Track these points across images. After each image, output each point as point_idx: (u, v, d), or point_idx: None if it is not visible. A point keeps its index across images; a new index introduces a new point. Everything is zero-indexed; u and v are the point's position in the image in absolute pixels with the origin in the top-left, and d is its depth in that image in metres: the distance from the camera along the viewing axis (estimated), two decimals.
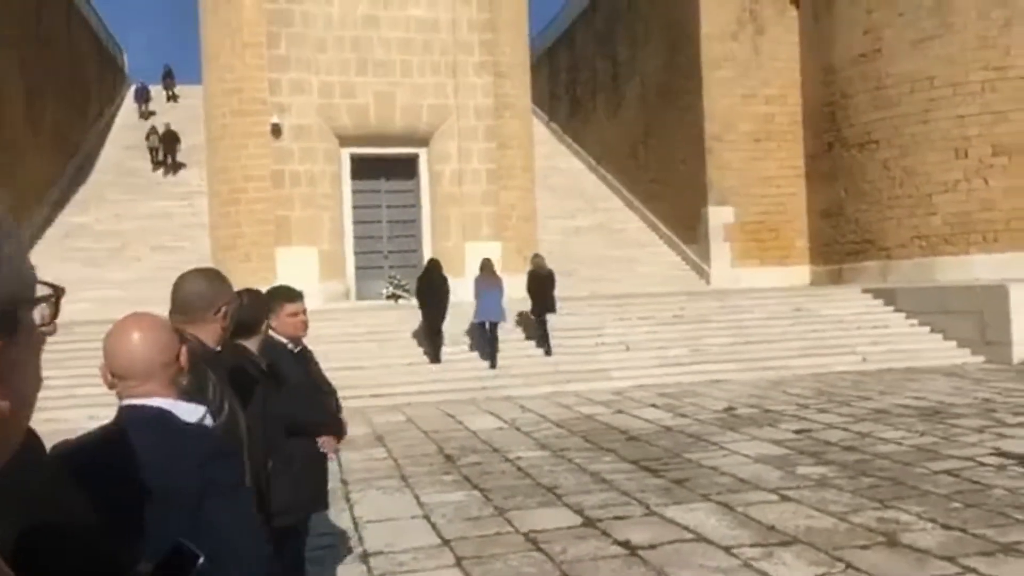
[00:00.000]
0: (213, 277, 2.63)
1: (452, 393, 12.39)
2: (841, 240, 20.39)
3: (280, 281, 8.48)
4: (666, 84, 23.52)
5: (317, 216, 17.18)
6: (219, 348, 2.58)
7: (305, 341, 4.01)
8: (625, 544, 5.26)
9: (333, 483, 6.01)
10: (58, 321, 0.84)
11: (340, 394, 4.29)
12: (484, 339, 13.72)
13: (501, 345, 13.70)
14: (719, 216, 21.55)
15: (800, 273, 21.55)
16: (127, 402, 1.84)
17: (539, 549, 5.24)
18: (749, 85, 21.57)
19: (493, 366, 13.43)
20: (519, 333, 14.61)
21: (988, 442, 7.81)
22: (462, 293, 14.04)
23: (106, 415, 1.90)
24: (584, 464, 7.62)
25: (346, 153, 17.71)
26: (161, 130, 25.43)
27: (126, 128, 28.78)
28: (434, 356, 13.61)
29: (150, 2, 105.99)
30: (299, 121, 17.04)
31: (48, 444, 1.74)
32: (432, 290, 13.54)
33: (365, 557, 5.27)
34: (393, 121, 17.49)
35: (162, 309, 2.42)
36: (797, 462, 7.34)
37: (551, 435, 9.23)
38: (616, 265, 21.41)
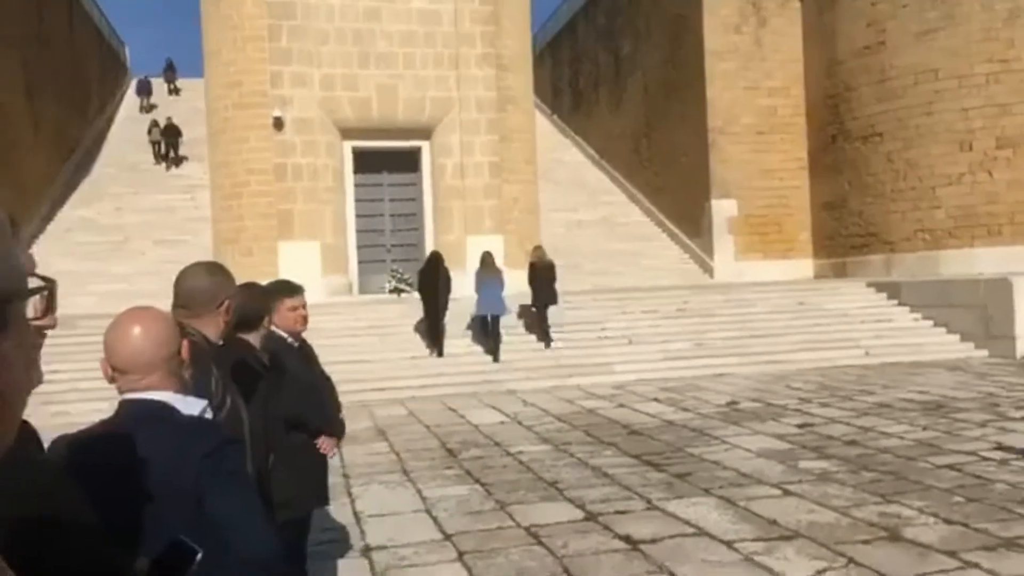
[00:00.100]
0: (215, 271, 2.62)
1: (454, 387, 12.39)
2: (845, 233, 20.34)
3: (283, 275, 8.49)
4: (669, 77, 23.46)
5: (319, 210, 17.16)
6: (221, 342, 2.58)
7: (307, 335, 4.00)
8: (627, 539, 5.26)
9: (335, 477, 6.02)
10: (61, 315, 0.82)
11: (342, 388, 4.29)
12: (485, 333, 13.74)
13: (503, 339, 13.69)
14: (722, 209, 21.50)
15: (804, 267, 21.51)
16: (128, 396, 1.84)
17: (540, 543, 5.24)
18: (752, 78, 21.49)
19: (496, 360, 13.43)
20: (521, 327, 14.60)
21: (991, 436, 7.80)
22: (464, 287, 14.04)
23: (110, 409, 1.89)
24: (586, 458, 7.62)
25: (348, 146, 17.69)
26: (163, 124, 25.44)
27: (128, 122, 28.78)
28: (436, 350, 13.62)
29: None
30: (301, 114, 17.01)
31: (51, 438, 1.74)
32: (434, 283, 13.53)
33: (367, 551, 5.27)
34: (395, 114, 17.45)
35: (165, 303, 2.41)
36: (799, 456, 7.33)
37: (553, 429, 9.23)
38: (619, 259, 21.38)
